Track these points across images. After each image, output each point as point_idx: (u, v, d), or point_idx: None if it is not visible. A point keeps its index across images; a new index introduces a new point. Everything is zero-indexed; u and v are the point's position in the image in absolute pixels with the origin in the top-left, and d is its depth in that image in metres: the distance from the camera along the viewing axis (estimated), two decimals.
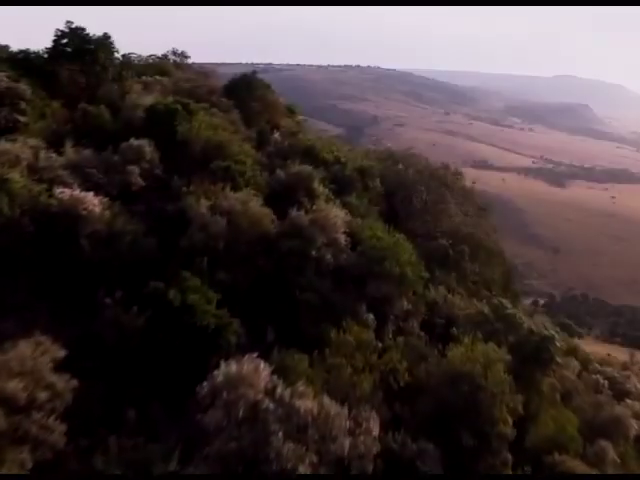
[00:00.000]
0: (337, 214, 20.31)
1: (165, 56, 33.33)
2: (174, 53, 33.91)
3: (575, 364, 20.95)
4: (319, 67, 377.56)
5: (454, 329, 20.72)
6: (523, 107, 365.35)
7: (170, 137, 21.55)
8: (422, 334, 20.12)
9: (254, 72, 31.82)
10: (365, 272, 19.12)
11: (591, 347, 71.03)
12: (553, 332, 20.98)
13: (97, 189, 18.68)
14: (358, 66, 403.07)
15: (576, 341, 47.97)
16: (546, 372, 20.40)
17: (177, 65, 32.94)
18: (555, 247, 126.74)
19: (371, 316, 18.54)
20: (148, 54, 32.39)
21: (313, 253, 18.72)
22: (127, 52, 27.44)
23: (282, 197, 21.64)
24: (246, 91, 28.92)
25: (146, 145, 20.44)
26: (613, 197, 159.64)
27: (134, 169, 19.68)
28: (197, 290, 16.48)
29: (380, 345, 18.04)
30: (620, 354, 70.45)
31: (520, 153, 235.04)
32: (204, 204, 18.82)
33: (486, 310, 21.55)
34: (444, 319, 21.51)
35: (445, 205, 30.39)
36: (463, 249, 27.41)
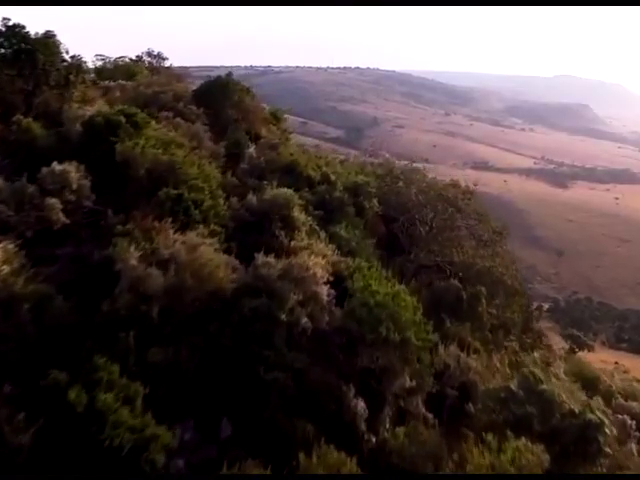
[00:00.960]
0: (318, 261, 15.14)
1: (139, 58, 29.10)
2: (149, 54, 29.67)
3: (599, 402, 17.63)
4: (318, 69, 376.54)
5: (470, 406, 15.85)
6: (523, 107, 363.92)
7: (108, 158, 16.44)
8: (429, 415, 15.28)
9: (229, 74, 27.52)
10: (355, 338, 14.49)
11: (599, 355, 69.47)
12: (600, 415, 15.67)
13: (5, 231, 13.90)
14: (357, 68, 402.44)
15: (588, 356, 46.26)
16: (592, 468, 15.32)
17: (152, 68, 28.86)
18: (558, 249, 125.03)
19: (361, 404, 13.55)
20: (127, 56, 28.61)
21: (283, 317, 13.73)
22: (76, 54, 22.91)
23: (253, 230, 16.85)
24: (220, 96, 24.63)
25: (72, 170, 15.35)
26: (617, 198, 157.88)
27: (55, 203, 14.67)
28: (112, 385, 11.20)
29: (374, 440, 13.50)
30: (628, 361, 68.82)
31: (521, 154, 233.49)
32: (134, 253, 13.40)
33: (514, 385, 16.30)
34: (457, 389, 16.53)
35: (456, 232, 25.89)
36: (479, 291, 22.21)
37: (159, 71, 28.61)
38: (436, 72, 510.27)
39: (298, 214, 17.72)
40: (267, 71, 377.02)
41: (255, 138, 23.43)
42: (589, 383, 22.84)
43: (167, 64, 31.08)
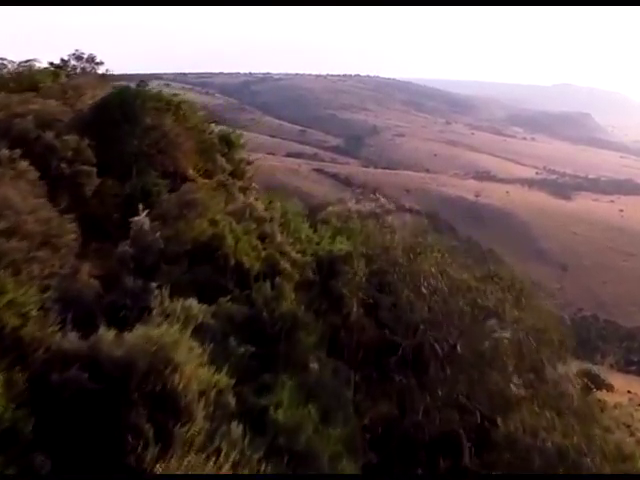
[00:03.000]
0: None
1: (64, 62, 22.19)
2: (78, 58, 22.89)
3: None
4: (318, 76, 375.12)
5: None
6: (524, 116, 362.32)
7: None
8: None
9: (142, 82, 21.45)
10: None
11: (612, 381, 66.01)
12: None
13: None
14: (357, 75, 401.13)
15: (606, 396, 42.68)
16: None
17: (73, 74, 21.90)
18: (562, 263, 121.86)
19: None
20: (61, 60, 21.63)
21: None
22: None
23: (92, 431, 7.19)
24: (122, 118, 16.14)
25: None
26: (621, 210, 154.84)
27: None
28: None
29: None
30: (639, 386, 65.60)
31: (523, 164, 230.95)
32: None
33: None
34: None
35: (497, 360, 12.86)
36: None
37: (77, 77, 21.69)
38: (436, 80, 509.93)
39: (188, 382, 7.68)
40: (266, 78, 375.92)
41: (181, 179, 15.55)
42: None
43: (103, 69, 24.28)
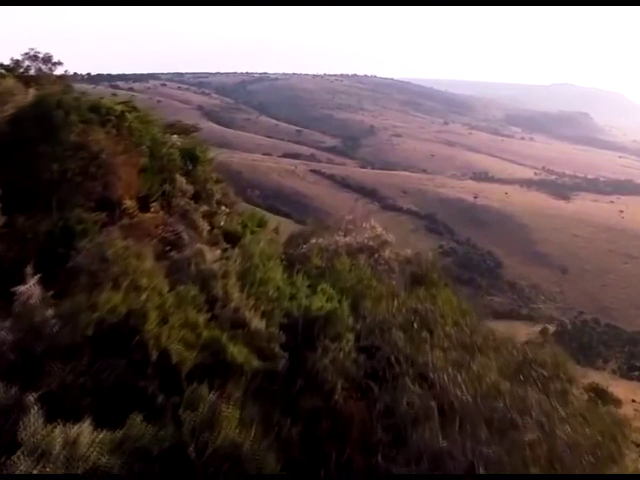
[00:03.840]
0: None
1: (16, 62, 18.76)
2: (33, 58, 19.36)
3: None
4: (315, 76, 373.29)
5: None
6: (522, 116, 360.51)
7: None
8: None
9: (67, 87, 17.27)
10: None
11: (615, 389, 63.98)
12: None
13: None
14: (355, 75, 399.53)
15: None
16: None
17: (27, 77, 18.09)
18: (562, 266, 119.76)
19: None
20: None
21: None
22: None
23: None
24: (40, 132, 12.20)
25: None
26: (621, 211, 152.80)
27: None
28: None
29: None
30: None
31: (521, 164, 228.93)
32: None
33: None
34: None
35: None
36: None
37: (37, 80, 17.74)
38: (434, 80, 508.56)
39: None
40: (263, 78, 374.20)
41: (119, 214, 11.31)
42: None
43: (61, 70, 19.16)
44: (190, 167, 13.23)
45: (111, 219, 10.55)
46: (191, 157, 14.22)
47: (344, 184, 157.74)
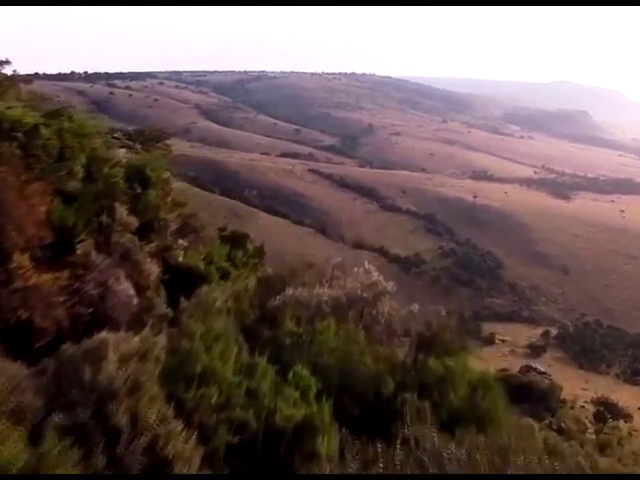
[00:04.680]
0: None
1: None
2: None
3: None
4: (313, 74, 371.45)
5: None
6: (521, 114, 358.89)
7: None
8: None
9: None
10: None
11: (619, 395, 62.65)
12: None
13: None
14: (353, 73, 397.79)
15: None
16: None
17: None
18: (563, 266, 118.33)
19: None
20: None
21: None
22: None
23: None
24: None
25: None
26: (622, 211, 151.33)
27: None
28: None
29: None
30: None
31: (521, 162, 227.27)
32: None
33: None
34: None
35: None
36: None
37: None
38: (433, 78, 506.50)
39: None
40: (261, 76, 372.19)
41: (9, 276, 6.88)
42: None
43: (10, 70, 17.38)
44: (138, 191, 9.83)
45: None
46: (140, 178, 10.54)
47: (342, 184, 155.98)
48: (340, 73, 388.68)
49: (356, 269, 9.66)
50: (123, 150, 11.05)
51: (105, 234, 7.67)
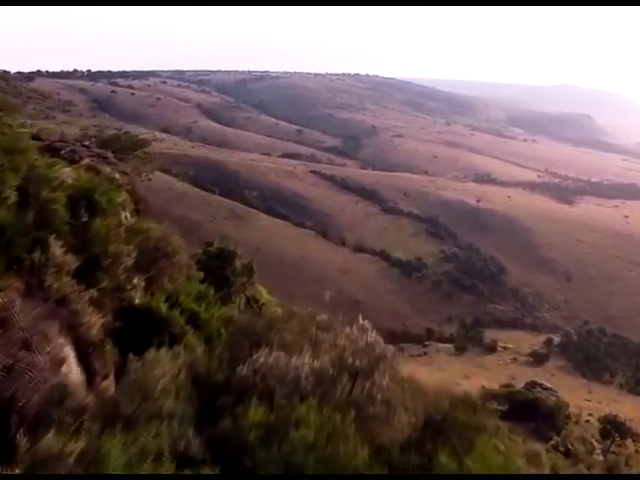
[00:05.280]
0: None
1: None
2: None
3: None
4: (316, 75, 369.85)
5: None
6: (524, 117, 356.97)
7: None
8: None
9: None
10: None
11: (623, 406, 61.29)
12: None
13: None
14: (356, 74, 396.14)
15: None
16: None
17: None
18: (567, 272, 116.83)
19: None
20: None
21: None
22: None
23: None
24: None
25: None
26: (626, 216, 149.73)
27: None
28: None
29: None
30: None
31: (524, 166, 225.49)
32: None
33: None
34: None
35: None
36: None
37: None
38: (436, 80, 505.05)
39: None
40: (264, 76, 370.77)
41: None
42: None
43: None
44: (85, 219, 7.71)
45: None
46: (88, 204, 8.09)
47: (344, 185, 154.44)
48: (343, 74, 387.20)
49: (348, 328, 7.54)
50: (67, 169, 8.69)
51: (37, 276, 6.03)
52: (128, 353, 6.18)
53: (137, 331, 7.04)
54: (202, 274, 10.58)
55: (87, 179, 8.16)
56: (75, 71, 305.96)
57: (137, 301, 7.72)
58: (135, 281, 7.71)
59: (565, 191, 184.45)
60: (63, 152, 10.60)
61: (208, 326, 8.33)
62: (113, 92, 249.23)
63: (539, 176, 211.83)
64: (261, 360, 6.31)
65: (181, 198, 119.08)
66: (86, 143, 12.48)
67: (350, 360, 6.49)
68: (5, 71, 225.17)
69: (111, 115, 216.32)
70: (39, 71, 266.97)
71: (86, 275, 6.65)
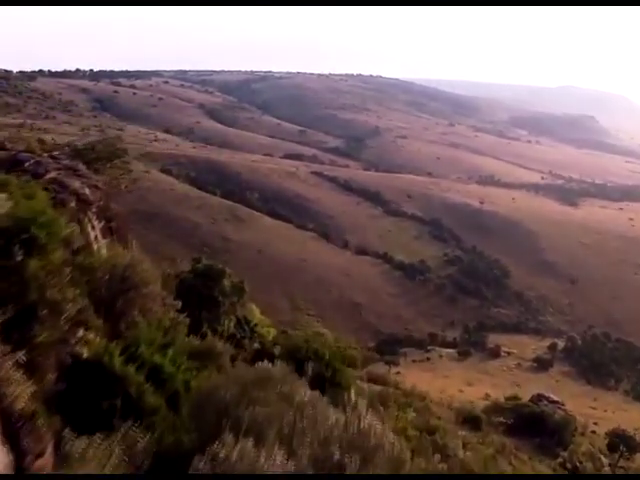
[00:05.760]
0: None
1: None
2: None
3: None
4: (319, 75, 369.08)
5: None
6: (528, 118, 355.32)
7: None
8: None
9: None
10: None
11: (629, 414, 60.24)
12: None
13: None
14: (360, 75, 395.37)
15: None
16: None
17: None
18: (571, 276, 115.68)
19: None
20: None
21: None
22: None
23: None
24: None
25: None
26: (631, 219, 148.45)
27: None
28: None
29: None
30: None
31: (528, 168, 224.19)
32: None
33: None
34: None
35: None
36: None
37: None
38: (439, 80, 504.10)
39: None
40: (267, 76, 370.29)
41: None
42: None
43: None
44: (19, 259, 6.20)
45: None
46: (23, 240, 6.34)
47: (347, 187, 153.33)
48: (346, 74, 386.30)
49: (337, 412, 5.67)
50: (3, 195, 6.92)
51: None
52: (72, 420, 5.13)
53: (85, 392, 5.90)
54: (179, 303, 9.47)
55: (26, 207, 6.66)
56: (77, 71, 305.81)
57: (85, 355, 6.48)
58: (81, 333, 6.43)
59: (569, 193, 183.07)
60: (27, 164, 9.55)
61: (173, 381, 7.01)
62: (115, 92, 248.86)
63: (543, 178, 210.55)
64: (222, 454, 5.01)
65: (182, 199, 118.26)
66: (55, 154, 11.37)
67: (337, 456, 5.02)
68: (7, 70, 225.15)
69: (112, 115, 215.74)
70: (41, 71, 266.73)
71: (19, 329, 5.49)
